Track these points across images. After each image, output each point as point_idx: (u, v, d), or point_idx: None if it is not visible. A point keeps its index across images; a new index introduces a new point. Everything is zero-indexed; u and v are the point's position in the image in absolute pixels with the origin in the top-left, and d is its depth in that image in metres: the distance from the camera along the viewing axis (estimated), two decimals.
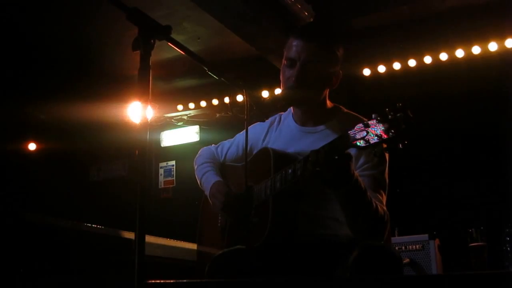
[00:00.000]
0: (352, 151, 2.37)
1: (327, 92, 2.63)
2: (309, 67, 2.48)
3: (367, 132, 1.96)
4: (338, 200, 2.27)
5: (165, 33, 1.83)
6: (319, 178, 2.14)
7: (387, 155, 2.48)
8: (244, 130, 2.77)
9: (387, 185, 2.48)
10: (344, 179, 2.15)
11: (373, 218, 2.27)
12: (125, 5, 1.78)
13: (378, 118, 1.94)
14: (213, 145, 3.00)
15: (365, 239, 2.27)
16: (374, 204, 2.26)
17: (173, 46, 1.90)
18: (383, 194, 2.44)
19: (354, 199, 2.23)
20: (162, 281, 1.66)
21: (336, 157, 2.08)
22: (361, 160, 2.42)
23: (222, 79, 2.12)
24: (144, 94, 1.77)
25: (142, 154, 1.73)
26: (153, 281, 1.62)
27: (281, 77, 2.57)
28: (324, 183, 2.16)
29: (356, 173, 2.22)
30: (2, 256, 3.19)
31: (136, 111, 6.50)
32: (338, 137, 2.10)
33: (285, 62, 2.55)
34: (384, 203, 2.43)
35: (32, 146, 7.49)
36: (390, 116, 1.91)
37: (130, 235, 3.89)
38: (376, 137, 1.94)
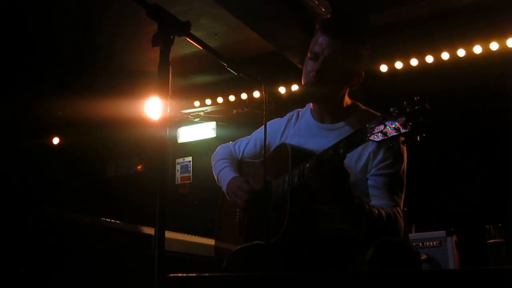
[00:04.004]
0: (370, 146, 2.38)
1: (346, 90, 2.61)
2: (332, 63, 2.46)
3: (385, 126, 1.97)
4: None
5: (185, 29, 1.83)
6: (321, 182, 2.17)
7: (405, 153, 2.48)
8: (262, 127, 2.78)
9: (404, 183, 2.47)
10: (340, 194, 2.19)
11: (375, 227, 2.27)
12: (145, 1, 1.79)
13: (396, 112, 1.94)
14: (230, 142, 3.01)
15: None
16: (375, 213, 2.26)
17: (193, 42, 1.90)
18: (400, 194, 2.43)
19: (351, 215, 2.25)
20: (183, 274, 1.67)
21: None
22: (379, 156, 2.41)
23: (241, 75, 2.12)
24: (164, 90, 1.78)
25: (161, 150, 1.74)
26: (174, 275, 1.62)
27: (303, 69, 2.57)
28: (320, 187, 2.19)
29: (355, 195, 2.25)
30: (22, 251, 3.22)
31: (154, 107, 6.54)
32: (355, 131, 2.11)
33: (309, 55, 2.53)
34: (401, 202, 2.43)
35: (55, 140, 7.57)
36: (407, 109, 1.91)
37: (147, 230, 3.92)
38: (394, 130, 1.94)
